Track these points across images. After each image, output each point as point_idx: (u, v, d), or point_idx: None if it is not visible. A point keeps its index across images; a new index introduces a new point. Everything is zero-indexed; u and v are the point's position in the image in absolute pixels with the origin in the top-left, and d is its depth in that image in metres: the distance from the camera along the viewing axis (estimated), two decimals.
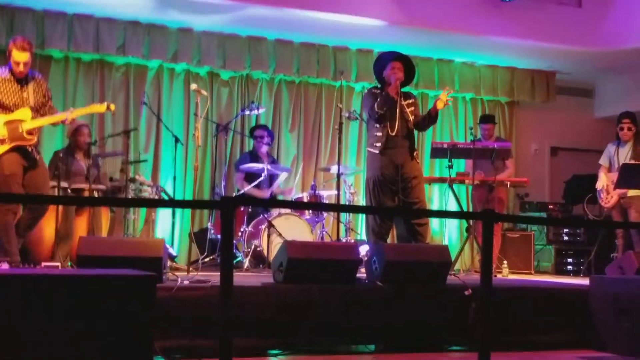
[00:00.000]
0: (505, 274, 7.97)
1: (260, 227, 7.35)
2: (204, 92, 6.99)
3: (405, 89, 6.86)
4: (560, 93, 10.56)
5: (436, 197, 9.74)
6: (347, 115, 7.89)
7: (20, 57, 5.70)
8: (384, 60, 6.75)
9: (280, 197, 8.34)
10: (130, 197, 6.87)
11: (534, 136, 10.70)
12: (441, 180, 8.27)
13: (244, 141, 9.04)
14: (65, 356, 3.41)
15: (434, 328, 5.16)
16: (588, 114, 10.94)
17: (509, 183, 8.25)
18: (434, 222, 9.44)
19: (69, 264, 6.27)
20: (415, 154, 6.68)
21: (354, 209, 8.86)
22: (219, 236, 7.27)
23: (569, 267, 9.29)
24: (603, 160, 8.04)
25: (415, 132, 6.79)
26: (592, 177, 8.29)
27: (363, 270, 5.80)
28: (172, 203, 7.39)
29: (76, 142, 7.05)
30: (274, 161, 8.49)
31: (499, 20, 8.70)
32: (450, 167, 7.64)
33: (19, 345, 3.34)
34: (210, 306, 4.43)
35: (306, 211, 7.68)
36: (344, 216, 7.99)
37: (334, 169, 7.68)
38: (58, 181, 6.36)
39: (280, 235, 7.08)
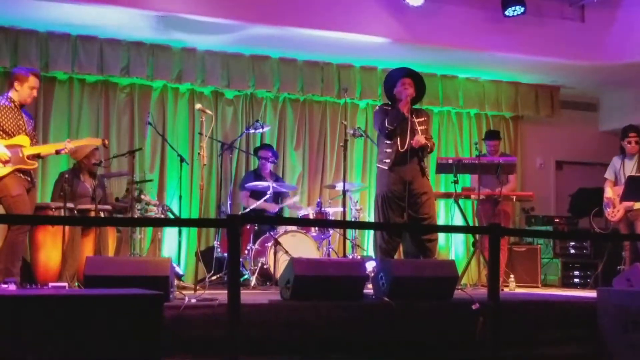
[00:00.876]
0: (512, 288, 7.96)
1: (266, 244, 7.36)
2: (209, 111, 7.02)
3: (417, 107, 6.87)
4: (565, 107, 10.59)
5: (442, 212, 9.74)
6: (352, 132, 7.92)
7: (37, 84, 6.08)
8: (394, 77, 6.76)
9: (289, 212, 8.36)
10: (136, 216, 6.88)
11: (539, 150, 10.71)
12: (447, 195, 8.28)
13: (249, 160, 9.05)
14: None
15: (442, 343, 5.14)
16: (592, 128, 10.95)
17: (514, 197, 8.26)
18: (440, 237, 9.40)
19: (76, 284, 6.28)
20: (425, 170, 6.68)
21: (359, 225, 8.84)
22: (225, 254, 7.29)
23: (576, 280, 9.25)
24: (609, 174, 8.02)
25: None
26: (598, 190, 8.29)
27: (370, 286, 5.80)
28: (179, 222, 7.42)
29: (85, 164, 7.08)
30: (278, 179, 8.49)
31: (502, 36, 8.71)
32: (456, 182, 7.64)
33: None
34: (218, 324, 4.41)
35: (312, 228, 7.68)
36: (350, 233, 7.99)
37: (339, 186, 7.69)
38: (64, 202, 6.38)
39: (286, 252, 7.08)
